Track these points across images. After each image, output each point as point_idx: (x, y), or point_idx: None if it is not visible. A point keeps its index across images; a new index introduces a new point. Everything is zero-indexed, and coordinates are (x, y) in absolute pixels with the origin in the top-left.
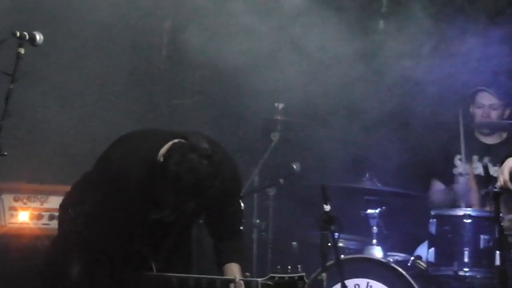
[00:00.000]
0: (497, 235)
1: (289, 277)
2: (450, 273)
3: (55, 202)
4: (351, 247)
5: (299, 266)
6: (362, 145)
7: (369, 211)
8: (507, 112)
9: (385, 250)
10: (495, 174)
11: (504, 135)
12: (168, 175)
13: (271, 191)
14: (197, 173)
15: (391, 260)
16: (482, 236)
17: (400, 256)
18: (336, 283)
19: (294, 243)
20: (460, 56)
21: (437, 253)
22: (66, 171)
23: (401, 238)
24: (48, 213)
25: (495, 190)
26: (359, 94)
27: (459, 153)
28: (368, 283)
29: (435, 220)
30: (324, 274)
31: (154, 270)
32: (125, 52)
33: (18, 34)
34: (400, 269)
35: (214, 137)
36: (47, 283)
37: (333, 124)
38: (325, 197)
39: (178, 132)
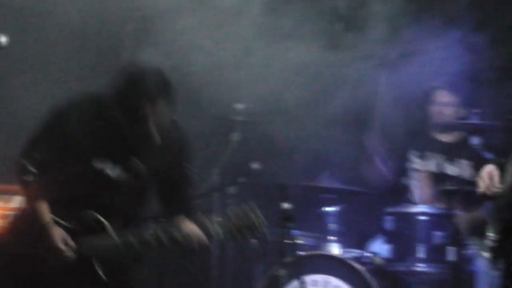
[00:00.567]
0: (450, 232)
1: (242, 210)
2: (406, 268)
3: (20, 202)
4: (309, 244)
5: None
6: (320, 144)
7: (326, 208)
8: (462, 112)
9: (342, 247)
10: (450, 173)
11: (459, 134)
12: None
13: (231, 190)
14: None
15: (348, 256)
16: (436, 233)
17: (357, 252)
18: (294, 280)
19: (253, 240)
20: (418, 57)
21: (392, 249)
22: None
23: (358, 235)
24: (13, 213)
25: (450, 188)
26: (316, 94)
27: (414, 149)
28: (325, 279)
29: (391, 217)
30: (282, 271)
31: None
32: (92, 55)
33: None
34: (357, 265)
35: None
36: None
37: (292, 124)
38: (284, 195)
39: None
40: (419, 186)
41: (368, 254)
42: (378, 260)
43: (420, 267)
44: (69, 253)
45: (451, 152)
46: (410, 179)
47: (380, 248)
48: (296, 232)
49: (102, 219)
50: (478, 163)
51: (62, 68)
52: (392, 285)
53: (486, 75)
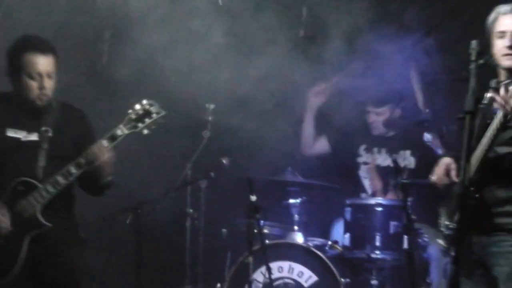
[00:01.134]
0: (405, 222)
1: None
2: (364, 256)
3: None
4: (274, 233)
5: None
6: (284, 141)
7: (290, 200)
8: (398, 112)
9: (305, 236)
10: (394, 164)
11: (400, 129)
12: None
13: (203, 184)
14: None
15: (311, 244)
16: (392, 223)
17: (318, 241)
18: (261, 266)
19: (223, 230)
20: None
21: (351, 238)
22: None
23: (319, 225)
24: None
25: (404, 181)
26: (280, 96)
27: (363, 144)
28: (290, 265)
29: (350, 208)
30: (250, 258)
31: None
32: (74, 55)
33: None
34: (319, 253)
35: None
36: None
37: (259, 123)
38: (251, 188)
39: None
40: (369, 178)
41: (329, 242)
42: (338, 248)
43: (377, 254)
44: (5, 224)
45: (390, 145)
46: (361, 172)
47: (340, 236)
48: (263, 222)
49: (29, 179)
50: (425, 155)
51: None
52: (351, 271)
53: (439, 77)
